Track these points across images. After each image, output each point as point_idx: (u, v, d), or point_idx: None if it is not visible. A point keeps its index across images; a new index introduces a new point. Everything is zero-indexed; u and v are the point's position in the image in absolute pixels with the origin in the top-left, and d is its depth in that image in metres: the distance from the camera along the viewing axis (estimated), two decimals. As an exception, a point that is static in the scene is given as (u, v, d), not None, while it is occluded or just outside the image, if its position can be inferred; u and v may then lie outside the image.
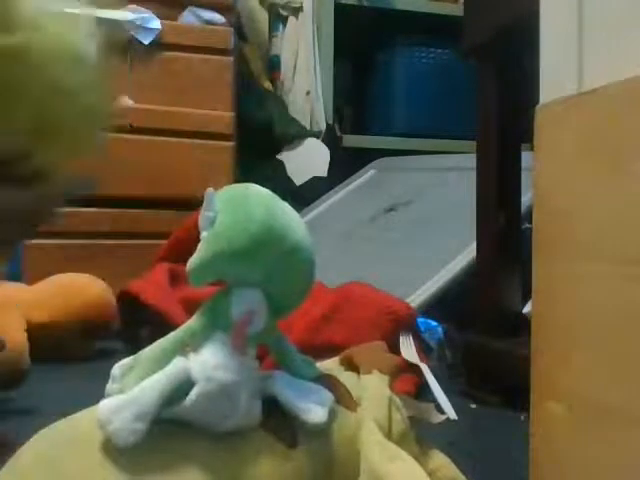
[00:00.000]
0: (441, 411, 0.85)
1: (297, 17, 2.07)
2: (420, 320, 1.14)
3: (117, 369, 0.44)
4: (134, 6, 1.61)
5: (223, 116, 1.66)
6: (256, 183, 0.49)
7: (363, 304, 1.06)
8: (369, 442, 0.48)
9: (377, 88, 2.28)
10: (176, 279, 1.19)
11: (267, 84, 2.06)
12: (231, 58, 1.69)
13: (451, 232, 1.40)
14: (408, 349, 1.01)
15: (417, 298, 1.27)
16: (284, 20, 2.09)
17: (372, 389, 0.53)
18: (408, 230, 1.58)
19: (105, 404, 0.42)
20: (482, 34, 1.04)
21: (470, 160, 1.14)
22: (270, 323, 0.48)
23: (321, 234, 1.62)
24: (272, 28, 2.12)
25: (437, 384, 0.95)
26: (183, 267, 0.46)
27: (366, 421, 0.50)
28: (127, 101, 1.58)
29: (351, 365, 0.56)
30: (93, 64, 0.52)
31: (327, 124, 2.03)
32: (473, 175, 1.10)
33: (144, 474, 0.41)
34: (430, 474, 0.50)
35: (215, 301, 0.47)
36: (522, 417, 0.81)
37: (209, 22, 1.70)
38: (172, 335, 0.45)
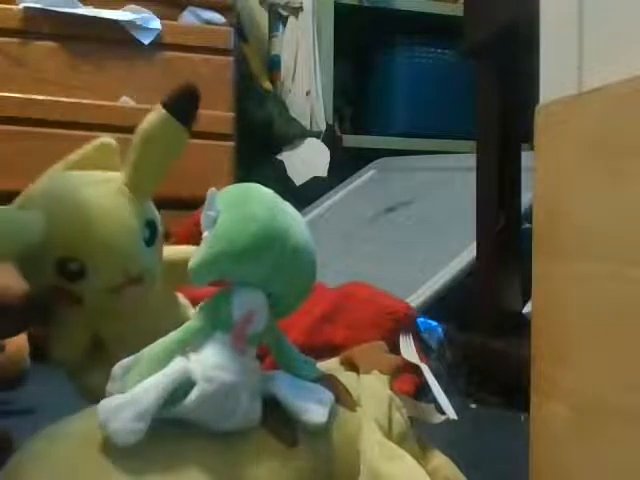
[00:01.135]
0: (441, 411, 0.85)
1: (297, 17, 2.07)
2: (420, 320, 1.14)
3: (118, 369, 0.44)
4: (134, 6, 1.61)
5: (223, 116, 1.66)
6: (256, 183, 0.49)
7: (363, 304, 1.06)
8: (369, 442, 0.49)
9: (377, 88, 2.28)
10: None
11: (267, 84, 2.05)
12: (231, 58, 1.69)
13: (451, 232, 1.40)
14: (408, 349, 1.01)
15: (417, 298, 1.27)
16: (284, 20, 2.09)
17: (372, 389, 0.53)
18: (408, 230, 1.58)
19: (105, 404, 0.41)
20: (482, 34, 1.04)
21: (470, 160, 1.15)
22: (271, 323, 0.48)
23: (321, 234, 1.62)
24: (272, 28, 2.12)
25: (437, 384, 0.94)
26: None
27: (366, 421, 0.50)
28: (127, 101, 1.58)
29: (351, 365, 0.56)
30: None
31: (327, 124, 2.03)
32: (473, 175, 1.10)
33: (144, 474, 0.41)
34: (430, 474, 0.50)
35: (216, 301, 0.47)
36: (522, 417, 0.81)
37: (209, 22, 1.70)
38: (172, 335, 0.45)
